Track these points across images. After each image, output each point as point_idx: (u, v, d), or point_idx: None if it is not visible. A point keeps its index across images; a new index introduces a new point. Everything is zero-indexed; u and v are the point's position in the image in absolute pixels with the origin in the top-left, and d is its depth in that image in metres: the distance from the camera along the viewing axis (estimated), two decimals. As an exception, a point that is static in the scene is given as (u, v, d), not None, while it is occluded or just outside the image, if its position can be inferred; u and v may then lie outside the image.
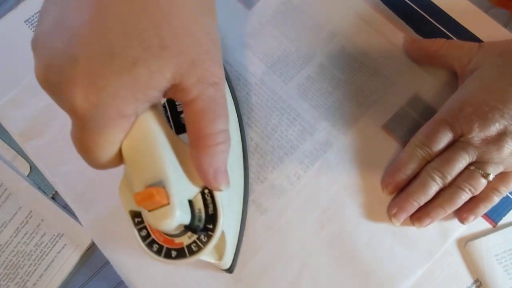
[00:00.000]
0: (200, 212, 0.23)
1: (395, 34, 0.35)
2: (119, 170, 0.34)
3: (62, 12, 0.20)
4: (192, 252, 0.23)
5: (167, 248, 0.23)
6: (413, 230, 0.32)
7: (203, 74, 0.22)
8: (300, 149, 0.34)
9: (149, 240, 0.23)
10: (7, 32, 0.38)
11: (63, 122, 0.36)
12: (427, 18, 0.36)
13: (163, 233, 0.23)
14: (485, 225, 0.32)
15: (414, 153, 0.31)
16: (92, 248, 0.35)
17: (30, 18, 0.39)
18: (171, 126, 0.31)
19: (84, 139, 0.21)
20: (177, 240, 0.23)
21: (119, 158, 0.23)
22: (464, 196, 0.30)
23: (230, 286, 0.32)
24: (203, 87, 0.22)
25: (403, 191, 0.31)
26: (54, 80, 0.20)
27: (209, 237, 0.23)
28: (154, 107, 0.23)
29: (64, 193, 0.34)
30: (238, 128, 0.32)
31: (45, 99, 0.36)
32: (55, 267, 0.34)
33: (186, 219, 0.22)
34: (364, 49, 0.35)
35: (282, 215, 0.33)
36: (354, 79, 0.35)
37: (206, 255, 0.25)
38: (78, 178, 0.34)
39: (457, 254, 0.32)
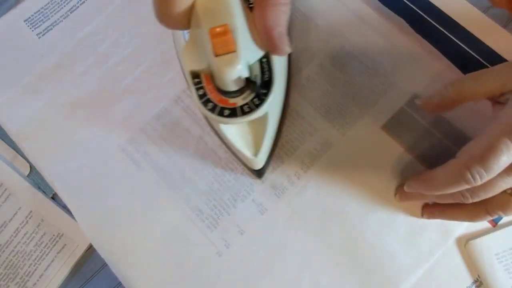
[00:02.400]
0: (256, 78, 0.25)
1: (395, 34, 0.35)
2: (116, 172, 0.34)
3: None
4: (243, 113, 0.24)
5: (221, 107, 0.24)
6: (413, 230, 0.32)
7: None
8: (300, 149, 0.34)
9: (205, 99, 0.25)
10: (7, 31, 0.38)
11: (62, 122, 0.36)
12: (426, 19, 0.36)
13: (219, 91, 0.24)
14: (486, 224, 0.32)
15: (461, 175, 0.25)
16: (92, 248, 0.34)
17: (30, 18, 0.39)
18: None
19: None
20: (231, 101, 0.24)
21: (188, 18, 0.24)
22: (488, 219, 0.27)
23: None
24: None
25: (423, 181, 0.28)
26: None
27: (262, 101, 0.24)
28: None
29: (62, 193, 0.34)
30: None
31: (44, 99, 0.37)
32: (55, 267, 0.34)
33: (246, 75, 0.24)
34: (364, 49, 0.35)
35: (282, 215, 0.33)
36: (354, 79, 0.35)
37: (252, 124, 0.28)
38: (76, 178, 0.34)
39: (457, 253, 0.32)
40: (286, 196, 0.33)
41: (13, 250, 0.34)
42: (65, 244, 0.34)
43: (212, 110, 0.24)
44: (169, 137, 0.35)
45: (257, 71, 0.25)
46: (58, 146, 0.35)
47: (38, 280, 0.34)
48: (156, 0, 0.23)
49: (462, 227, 0.32)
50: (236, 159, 0.33)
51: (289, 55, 0.34)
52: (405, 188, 0.30)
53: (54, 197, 0.36)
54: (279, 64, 0.28)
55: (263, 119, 0.28)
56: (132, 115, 0.35)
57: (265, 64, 0.25)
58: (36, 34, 0.38)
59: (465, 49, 0.35)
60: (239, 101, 0.24)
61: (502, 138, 0.24)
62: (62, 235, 0.34)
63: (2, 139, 0.37)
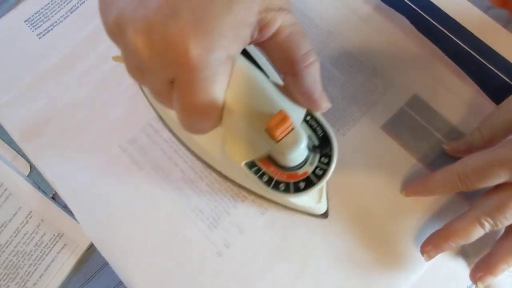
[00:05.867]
0: (311, 138, 0.24)
1: (395, 34, 0.35)
2: (117, 172, 0.34)
3: None
4: (319, 177, 0.23)
5: (294, 183, 0.24)
6: (413, 229, 0.32)
7: (279, 2, 0.22)
8: (300, 149, 0.34)
9: (274, 183, 0.24)
10: (7, 31, 0.38)
11: (63, 122, 0.36)
12: (426, 18, 0.36)
13: (284, 169, 0.24)
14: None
15: (479, 223, 0.27)
16: (92, 248, 0.34)
17: (30, 18, 0.39)
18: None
19: (198, 94, 0.21)
20: (301, 172, 0.24)
21: (221, 117, 0.22)
22: None
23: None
24: (284, 14, 0.22)
25: (442, 228, 0.29)
26: (158, 38, 0.19)
27: (329, 157, 0.24)
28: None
29: (63, 193, 0.34)
30: None
31: (44, 99, 0.37)
32: (55, 267, 0.34)
33: (306, 142, 0.23)
34: (364, 49, 0.35)
35: (283, 215, 0.33)
36: (354, 79, 0.35)
37: (316, 190, 0.26)
38: (77, 179, 0.34)
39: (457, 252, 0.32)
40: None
41: (13, 250, 0.34)
42: (65, 244, 0.34)
43: (287, 190, 0.24)
44: (169, 137, 0.35)
45: (308, 131, 0.24)
46: (58, 146, 0.35)
47: (38, 280, 0.34)
48: (193, 117, 0.22)
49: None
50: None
51: None
52: (422, 250, 0.30)
53: (54, 197, 0.36)
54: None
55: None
56: (133, 115, 0.35)
57: (312, 121, 0.24)
58: (37, 35, 0.38)
59: (465, 48, 0.35)
60: (308, 168, 0.24)
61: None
62: (62, 235, 0.34)
63: (2, 139, 0.37)
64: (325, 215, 0.31)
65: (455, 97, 0.34)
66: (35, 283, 0.34)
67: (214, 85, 0.21)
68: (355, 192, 0.33)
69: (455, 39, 0.35)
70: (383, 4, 0.36)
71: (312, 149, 0.24)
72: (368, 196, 0.32)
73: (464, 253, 0.31)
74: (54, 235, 0.34)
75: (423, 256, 0.30)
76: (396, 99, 0.34)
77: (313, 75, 0.23)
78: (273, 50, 0.23)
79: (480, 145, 0.30)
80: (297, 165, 0.24)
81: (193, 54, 0.19)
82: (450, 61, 0.34)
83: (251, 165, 0.24)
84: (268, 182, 0.24)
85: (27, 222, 0.35)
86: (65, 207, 0.35)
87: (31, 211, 0.35)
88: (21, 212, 0.35)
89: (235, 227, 0.33)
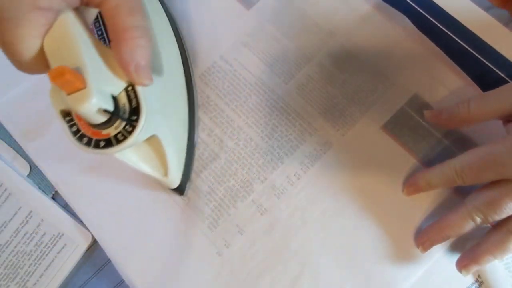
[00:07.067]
0: (124, 106, 0.26)
1: (396, 33, 0.35)
2: (119, 167, 0.34)
3: None
4: (118, 141, 0.25)
5: (96, 139, 0.25)
6: (413, 229, 0.32)
7: None
8: (300, 149, 0.34)
9: (79, 135, 0.26)
10: (7, 31, 0.38)
11: (63, 122, 0.36)
12: (427, 18, 0.36)
13: (90, 125, 0.25)
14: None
15: (471, 217, 0.28)
16: (92, 248, 0.35)
17: (29, 18, 0.38)
18: (105, 39, 0.34)
19: (3, 32, 0.23)
20: (104, 132, 0.25)
21: (44, 62, 0.24)
22: None
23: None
24: None
25: (436, 221, 0.30)
26: None
27: (133, 127, 0.25)
28: (77, 11, 0.26)
29: (65, 193, 0.34)
30: (176, 44, 0.35)
31: (46, 99, 0.37)
32: (55, 267, 0.34)
33: (109, 107, 0.25)
34: (364, 48, 0.35)
35: (282, 215, 0.33)
36: (354, 79, 0.35)
37: (134, 151, 0.29)
38: (79, 178, 0.35)
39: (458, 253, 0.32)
40: (285, 196, 0.33)
41: (13, 250, 0.34)
42: (65, 244, 0.34)
43: (88, 144, 0.25)
44: (169, 137, 0.35)
45: (124, 99, 0.26)
46: (61, 146, 0.35)
47: (38, 280, 0.34)
48: (5, 53, 0.24)
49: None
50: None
51: (184, 55, 0.35)
52: (417, 243, 0.31)
53: (54, 197, 0.36)
54: (161, 87, 0.30)
55: (156, 140, 0.29)
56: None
57: (131, 92, 0.26)
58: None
59: (466, 48, 0.35)
60: (111, 131, 0.25)
61: None
62: (62, 235, 0.34)
63: (2, 139, 0.37)
64: (179, 191, 0.33)
65: (456, 96, 0.34)
66: (35, 283, 0.34)
67: (18, 29, 0.23)
68: (355, 192, 0.33)
69: (456, 38, 0.35)
70: (383, 3, 0.36)
71: (117, 115, 0.25)
72: (367, 196, 0.32)
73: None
74: (54, 235, 0.34)
75: (418, 248, 0.31)
76: (396, 99, 0.34)
77: (130, 49, 0.24)
78: (105, 15, 0.25)
79: (463, 118, 0.30)
80: (100, 124, 0.25)
81: None
82: (450, 60, 0.34)
83: (66, 114, 0.26)
84: (75, 133, 0.26)
85: (27, 222, 0.35)
86: (65, 207, 0.35)
87: (31, 211, 0.35)
88: (21, 212, 0.35)
89: (235, 227, 0.33)
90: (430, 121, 0.32)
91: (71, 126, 0.26)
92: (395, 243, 0.32)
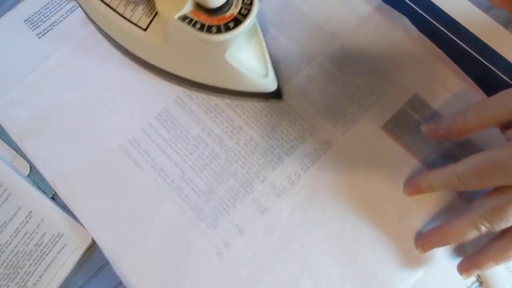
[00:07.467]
0: None
1: (396, 34, 0.35)
2: (117, 172, 0.34)
3: None
4: (244, 15, 0.26)
5: (224, 24, 0.26)
6: (413, 230, 0.32)
7: None
8: (300, 149, 0.34)
9: (206, 28, 0.26)
10: (7, 31, 0.38)
11: (63, 122, 0.36)
12: (427, 18, 0.36)
13: (213, 14, 0.26)
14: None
15: (475, 226, 0.27)
16: (92, 248, 0.35)
17: (30, 18, 0.39)
18: None
19: None
20: (228, 14, 0.26)
21: None
22: None
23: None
24: None
25: (439, 226, 0.30)
26: None
27: (249, 9, 0.26)
28: None
29: (63, 193, 0.34)
30: None
31: (44, 99, 0.37)
32: (55, 267, 0.34)
33: None
34: (365, 49, 0.35)
35: (282, 215, 0.33)
36: (354, 79, 0.35)
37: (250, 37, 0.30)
38: (77, 178, 0.34)
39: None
40: (285, 196, 0.33)
41: (13, 250, 0.34)
42: (65, 244, 0.34)
43: (219, 31, 0.26)
44: (169, 138, 0.35)
45: None
46: (59, 146, 0.35)
47: (38, 280, 0.34)
48: None
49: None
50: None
51: None
52: (416, 244, 0.31)
53: (54, 197, 0.36)
54: None
55: (254, 42, 0.30)
56: (133, 115, 0.35)
57: None
58: (36, 34, 0.38)
59: (466, 48, 0.35)
60: (234, 10, 0.26)
61: None
62: (62, 235, 0.34)
63: (2, 139, 0.37)
64: (278, 95, 0.34)
65: (456, 97, 0.34)
66: (35, 283, 0.34)
67: None
68: (355, 192, 0.33)
69: (456, 39, 0.35)
70: (384, 4, 0.36)
71: None
72: (368, 196, 0.32)
73: (464, 254, 0.31)
74: (54, 235, 0.34)
75: (417, 249, 0.31)
76: (396, 99, 0.34)
77: None
78: None
79: (461, 128, 0.29)
80: (222, 7, 0.26)
81: None
82: (450, 61, 0.34)
83: (183, 18, 0.27)
84: (201, 29, 0.26)
85: (27, 222, 0.35)
86: (65, 207, 0.35)
87: (31, 211, 0.35)
88: (21, 212, 0.35)
89: (235, 227, 0.33)
90: (429, 136, 0.32)
91: (194, 25, 0.26)
92: (395, 243, 0.32)
